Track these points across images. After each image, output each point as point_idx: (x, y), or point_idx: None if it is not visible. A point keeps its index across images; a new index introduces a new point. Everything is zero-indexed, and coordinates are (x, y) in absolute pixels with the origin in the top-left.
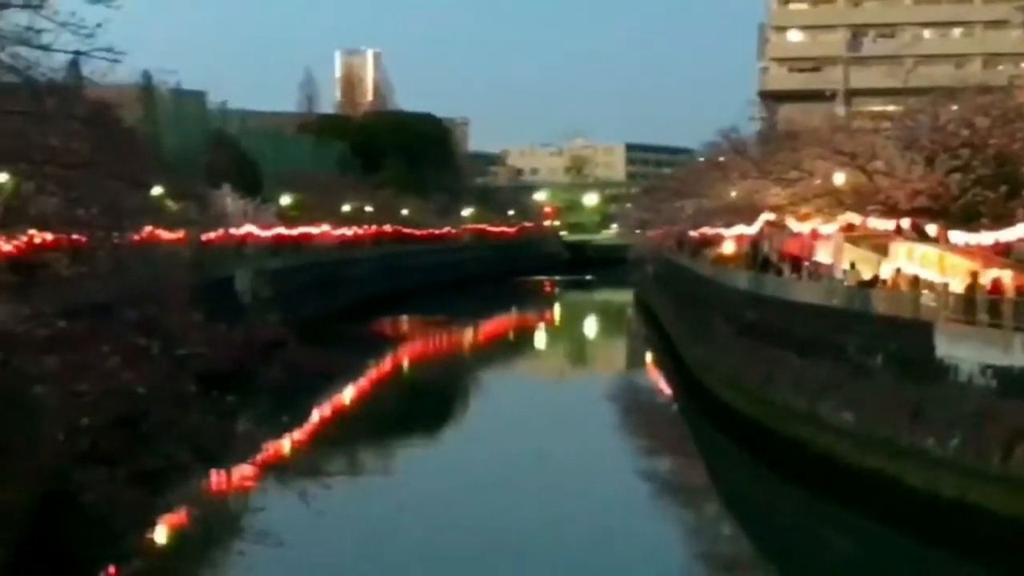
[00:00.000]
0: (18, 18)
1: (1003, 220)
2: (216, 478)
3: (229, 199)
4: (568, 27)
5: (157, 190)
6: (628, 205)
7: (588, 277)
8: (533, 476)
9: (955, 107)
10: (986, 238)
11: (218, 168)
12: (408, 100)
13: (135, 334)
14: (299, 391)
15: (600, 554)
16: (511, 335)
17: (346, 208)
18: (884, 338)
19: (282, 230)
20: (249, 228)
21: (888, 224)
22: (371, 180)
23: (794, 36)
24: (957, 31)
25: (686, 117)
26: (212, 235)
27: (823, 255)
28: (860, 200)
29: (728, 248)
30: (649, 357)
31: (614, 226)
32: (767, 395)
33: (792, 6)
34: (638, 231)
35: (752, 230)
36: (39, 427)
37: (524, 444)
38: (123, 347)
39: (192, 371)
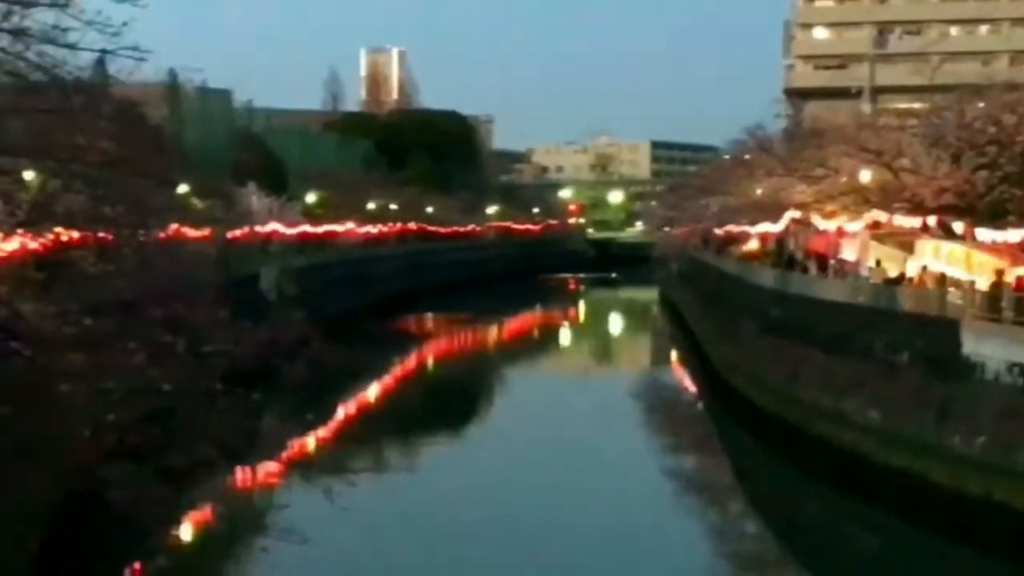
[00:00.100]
0: (45, 17)
1: None
2: (241, 475)
3: (254, 197)
4: (593, 25)
5: (183, 188)
6: (653, 203)
7: (613, 275)
8: (559, 474)
9: (981, 104)
10: (1013, 235)
11: (244, 166)
12: (433, 98)
13: (161, 331)
14: (324, 388)
15: (626, 552)
16: (536, 333)
17: (371, 206)
18: (910, 336)
19: (307, 228)
20: (274, 226)
21: (914, 221)
22: (396, 178)
23: (820, 33)
24: (984, 28)
25: (711, 115)
26: (237, 233)
27: (849, 253)
28: (886, 197)
29: (753, 246)
30: (674, 355)
31: (639, 224)
32: (793, 393)
33: (818, 3)
34: (663, 229)
35: (777, 228)
36: (66, 424)
37: (549, 442)
38: (149, 344)
39: (217, 368)
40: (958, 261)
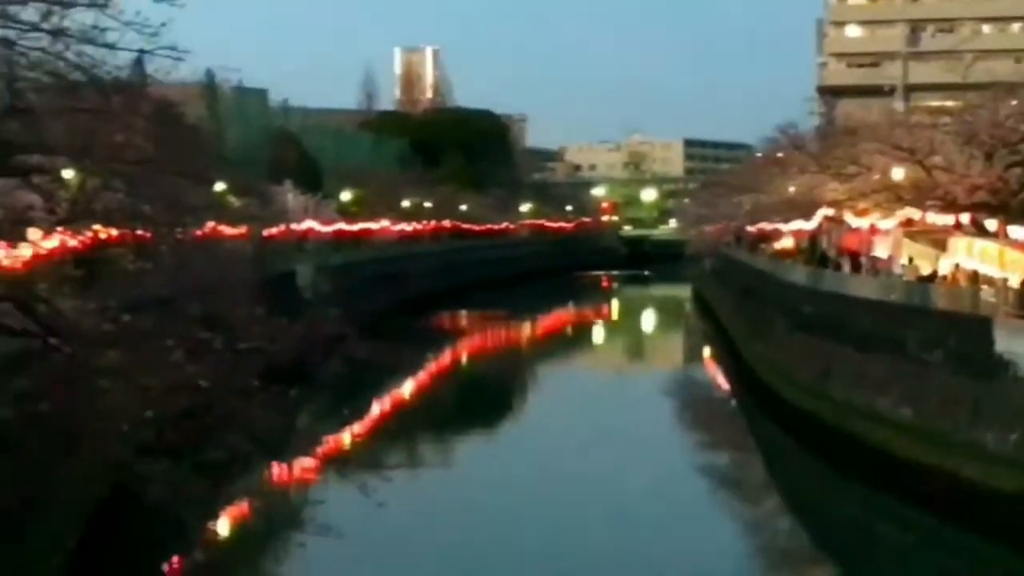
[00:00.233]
0: (84, 17)
1: None
2: (278, 470)
3: (290, 195)
4: (626, 23)
5: (220, 186)
6: (686, 200)
7: (646, 272)
8: (593, 470)
9: (1014, 102)
10: None
11: (280, 164)
12: (467, 97)
13: (198, 328)
14: (359, 385)
15: (661, 548)
16: (569, 330)
17: (405, 204)
18: (943, 333)
19: (343, 226)
20: (310, 224)
21: (947, 219)
22: (430, 176)
23: (852, 31)
24: (1016, 26)
25: (744, 112)
26: (274, 231)
27: (881, 250)
28: (919, 195)
29: (787, 243)
30: (707, 352)
31: (672, 221)
32: (825, 390)
33: (851, 1)
34: (696, 226)
35: (810, 225)
36: (105, 420)
37: (583, 438)
38: (187, 341)
39: (254, 365)
40: (991, 259)
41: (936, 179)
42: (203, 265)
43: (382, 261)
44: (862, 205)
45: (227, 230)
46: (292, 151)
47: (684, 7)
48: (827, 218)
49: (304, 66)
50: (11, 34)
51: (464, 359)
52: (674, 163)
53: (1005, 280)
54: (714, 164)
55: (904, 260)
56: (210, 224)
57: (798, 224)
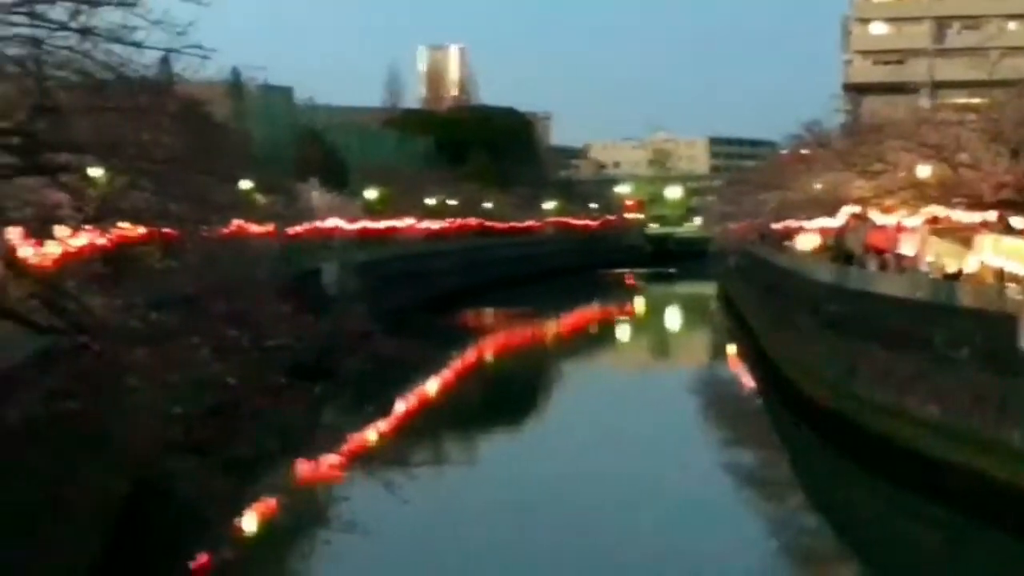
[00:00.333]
0: (112, 16)
1: None
2: (304, 467)
3: (316, 193)
4: (650, 20)
5: (246, 184)
6: (711, 198)
7: (670, 270)
8: (617, 467)
9: None
10: None
11: (305, 162)
12: (492, 95)
13: (225, 326)
14: (385, 382)
15: (686, 548)
16: (594, 327)
17: (430, 202)
18: (969, 331)
19: (368, 223)
20: (335, 221)
21: (973, 217)
22: (455, 174)
23: (878, 28)
24: None
25: (769, 110)
26: (299, 228)
27: (907, 248)
28: (945, 193)
29: (808, 241)
30: (732, 349)
31: (696, 219)
32: (851, 388)
33: None
34: (721, 224)
35: (835, 223)
36: (132, 417)
37: (608, 435)
38: (213, 339)
39: (280, 362)
40: (1017, 256)
41: (962, 176)
42: (229, 263)
43: (407, 259)
44: (888, 202)
45: (253, 228)
46: (318, 149)
47: (710, 4)
48: (852, 216)
49: (330, 64)
50: (40, 33)
51: (489, 356)
52: (699, 160)
53: None
54: (739, 162)
55: (930, 258)
56: (236, 222)
57: (823, 222)
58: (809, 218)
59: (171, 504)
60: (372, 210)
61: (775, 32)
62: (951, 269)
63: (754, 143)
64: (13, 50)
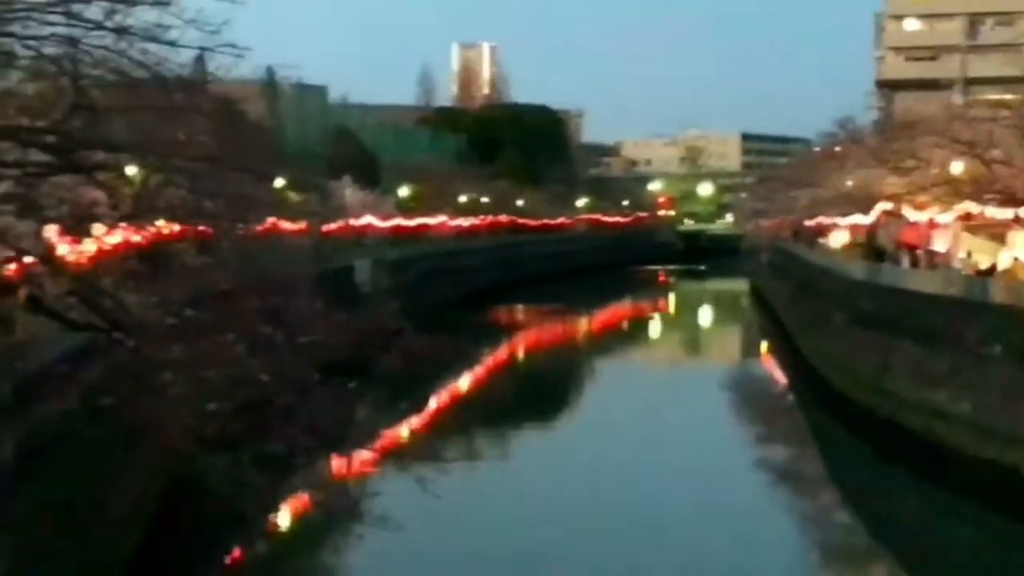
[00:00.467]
0: (147, 15)
1: None
2: (337, 463)
3: (349, 190)
4: (682, 18)
5: (280, 182)
6: (743, 195)
7: (702, 267)
8: (649, 464)
9: None
10: None
11: (338, 160)
12: (523, 93)
13: (259, 323)
14: (417, 378)
15: (718, 543)
16: (626, 324)
17: (463, 199)
18: (1002, 327)
19: (400, 221)
20: (368, 219)
21: (1006, 213)
22: (487, 171)
23: (911, 25)
24: None
25: (802, 107)
26: (333, 226)
27: (940, 244)
28: (978, 189)
29: (839, 238)
30: (764, 346)
31: (728, 216)
32: (884, 384)
33: None
34: (753, 221)
35: (868, 219)
36: (167, 413)
37: (640, 432)
38: (248, 335)
39: (314, 359)
40: None
41: (995, 173)
42: (263, 260)
43: (439, 256)
44: (921, 199)
45: (287, 226)
46: (351, 147)
47: (742, 1)
48: (885, 212)
49: (363, 63)
50: (76, 32)
51: (521, 353)
52: (731, 157)
53: None
54: (771, 158)
55: (963, 254)
56: (270, 220)
57: (856, 218)
58: (842, 215)
59: (206, 499)
60: (405, 208)
61: (808, 29)
62: (984, 265)
63: (786, 140)
64: (50, 49)
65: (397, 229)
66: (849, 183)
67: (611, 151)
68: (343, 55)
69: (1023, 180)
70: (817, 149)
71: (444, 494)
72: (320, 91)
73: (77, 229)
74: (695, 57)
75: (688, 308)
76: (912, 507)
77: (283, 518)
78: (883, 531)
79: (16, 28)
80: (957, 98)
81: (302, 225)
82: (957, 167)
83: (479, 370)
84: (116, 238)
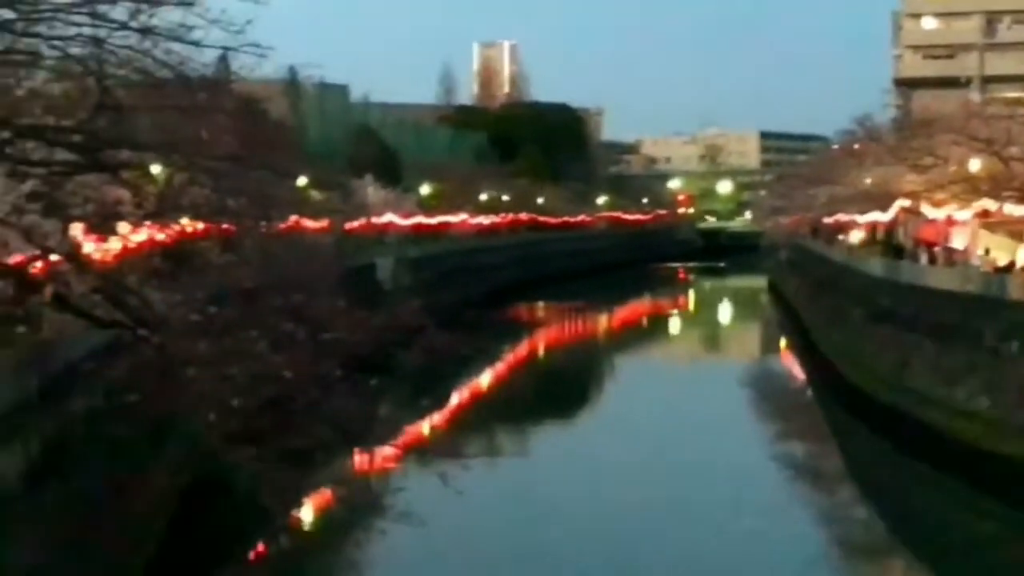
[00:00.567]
0: (172, 16)
1: None
2: (359, 459)
3: (371, 189)
4: (701, 16)
5: (302, 181)
6: (762, 192)
7: (721, 264)
8: (669, 460)
9: None
10: None
11: (360, 159)
12: (544, 91)
13: (282, 320)
14: (439, 375)
15: (738, 539)
16: (646, 321)
17: (483, 197)
18: (1020, 324)
19: (422, 219)
20: (390, 217)
21: None
22: (507, 170)
23: (928, 23)
24: None
25: (820, 105)
26: (354, 224)
27: (958, 241)
28: (996, 186)
29: (854, 235)
30: (783, 342)
31: (747, 213)
32: (902, 381)
33: None
34: (772, 218)
35: (886, 217)
36: (192, 409)
37: (660, 428)
38: (271, 332)
39: (336, 355)
40: None
41: (1013, 170)
42: (286, 258)
43: (460, 254)
44: (939, 196)
45: (309, 224)
46: (372, 146)
47: (761, 0)
48: (903, 209)
49: (385, 62)
50: (101, 32)
51: (542, 350)
52: (750, 155)
53: None
54: (790, 156)
55: (980, 251)
56: (293, 218)
57: (874, 216)
58: (860, 212)
59: (230, 495)
60: (426, 206)
61: (826, 28)
62: (1002, 262)
63: (805, 138)
64: (75, 50)
65: (418, 227)
66: (867, 181)
67: (631, 149)
68: (365, 54)
69: None
70: (835, 147)
71: (466, 490)
72: (342, 90)
73: (102, 227)
74: (714, 55)
75: (708, 305)
76: (931, 501)
77: (306, 513)
78: (902, 525)
79: (42, 28)
80: (975, 96)
81: (324, 223)
82: (975, 164)
83: (500, 367)
84: (141, 236)
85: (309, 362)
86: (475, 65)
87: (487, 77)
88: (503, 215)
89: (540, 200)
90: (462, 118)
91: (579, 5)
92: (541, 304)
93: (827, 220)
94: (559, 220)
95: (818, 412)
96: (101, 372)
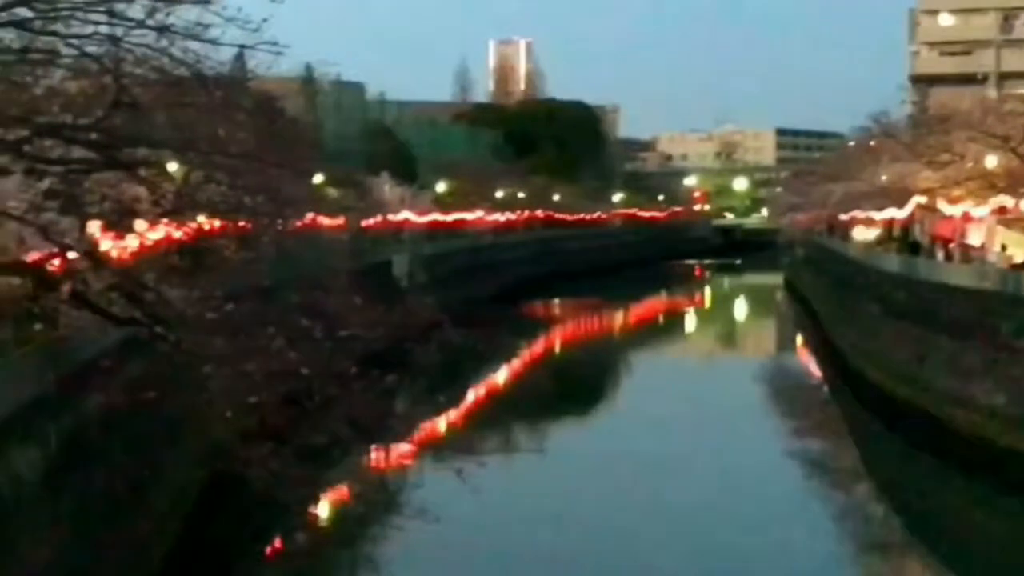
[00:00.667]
0: (188, 14)
1: None
2: (376, 455)
3: (387, 186)
4: (717, 13)
5: (318, 178)
6: (778, 189)
7: (737, 261)
8: (687, 456)
9: None
10: None
11: (376, 156)
12: (560, 88)
13: (299, 316)
14: (454, 371)
15: (755, 535)
16: (662, 318)
17: (499, 194)
18: None
19: (438, 216)
20: (406, 214)
21: None
22: (523, 167)
23: (945, 20)
24: None
25: (836, 102)
26: (371, 221)
27: (975, 238)
28: (1013, 183)
29: (863, 232)
30: (799, 339)
31: (764, 210)
32: (919, 377)
33: None
34: (788, 215)
35: (903, 213)
36: (209, 405)
37: (677, 424)
38: (287, 329)
39: (352, 352)
40: None
41: None
42: (303, 255)
43: (476, 251)
44: (955, 193)
45: (326, 221)
46: (388, 143)
47: None
48: (920, 206)
49: (400, 60)
50: (118, 31)
51: (557, 346)
52: (766, 152)
53: None
54: (806, 153)
55: (997, 248)
56: (309, 215)
57: (891, 212)
58: (877, 209)
59: (247, 490)
60: (442, 203)
61: (842, 24)
62: (1018, 259)
63: (821, 135)
64: (92, 48)
65: (434, 224)
66: (884, 177)
67: (647, 146)
68: (381, 52)
69: None
70: (851, 144)
71: (482, 486)
72: (358, 88)
73: (119, 225)
74: (730, 52)
75: (724, 302)
76: (946, 498)
77: (323, 509)
78: (916, 521)
79: (59, 27)
80: (991, 92)
81: (340, 221)
82: (991, 161)
83: (516, 363)
84: (158, 234)
85: (325, 359)
86: (491, 63)
87: (503, 75)
88: (519, 212)
89: (556, 197)
90: (478, 115)
91: (595, 2)
92: (557, 301)
93: (843, 217)
94: (575, 217)
95: (835, 409)
96: (118, 369)
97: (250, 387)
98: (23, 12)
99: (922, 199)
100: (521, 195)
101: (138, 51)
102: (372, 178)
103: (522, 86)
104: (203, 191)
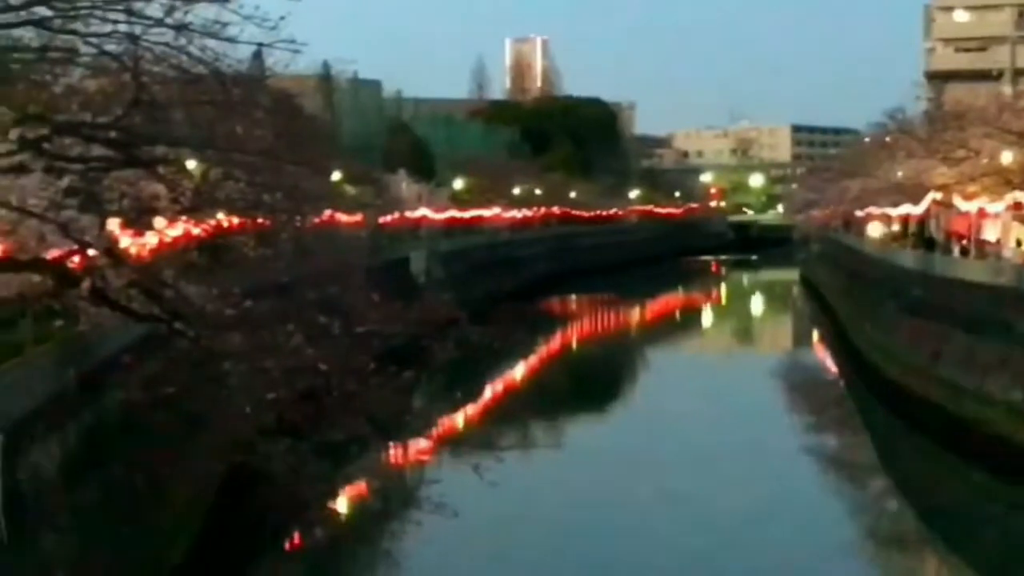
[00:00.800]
0: (206, 12)
1: None
2: (394, 450)
3: (404, 183)
4: (733, 9)
5: (336, 175)
6: (793, 186)
7: (753, 257)
8: (702, 452)
9: None
10: None
11: (394, 154)
12: (576, 85)
13: (317, 313)
14: (472, 367)
15: (771, 531)
16: (678, 313)
17: (516, 191)
18: None
19: (455, 213)
20: (423, 211)
21: None
22: (540, 164)
23: (960, 16)
24: None
25: (852, 98)
26: (388, 218)
27: (990, 233)
28: None
29: (875, 228)
30: (815, 334)
31: (779, 207)
32: (935, 372)
33: None
34: (803, 211)
35: (918, 210)
36: (228, 401)
37: (693, 419)
38: (306, 325)
39: (370, 348)
40: None
41: None
42: (321, 252)
43: (493, 247)
44: (970, 189)
45: (344, 218)
46: (405, 140)
47: None
48: (935, 202)
49: (417, 58)
50: (137, 29)
51: (574, 342)
52: (781, 149)
53: None
54: (821, 149)
55: (1012, 243)
56: (327, 212)
57: (906, 208)
58: (892, 205)
59: (266, 487)
60: (459, 200)
61: (857, 21)
62: None
63: (836, 131)
64: (111, 46)
65: (451, 221)
66: (899, 173)
67: (663, 143)
68: (398, 50)
69: None
70: (867, 140)
71: (499, 481)
72: (375, 85)
73: (139, 222)
74: (746, 49)
75: (741, 297)
76: (962, 494)
77: (341, 504)
78: (934, 517)
79: (79, 25)
80: (1006, 88)
81: (358, 217)
82: (1007, 157)
83: (533, 359)
84: (177, 231)
85: (343, 355)
86: (507, 60)
87: (519, 72)
88: (536, 209)
89: (572, 194)
90: (495, 113)
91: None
92: (574, 297)
93: (859, 213)
94: (592, 214)
95: (851, 403)
96: (138, 365)
97: (268, 383)
98: (42, 11)
99: (938, 195)
100: (538, 192)
101: (157, 49)
102: (389, 175)
103: (538, 83)
104: (222, 188)
